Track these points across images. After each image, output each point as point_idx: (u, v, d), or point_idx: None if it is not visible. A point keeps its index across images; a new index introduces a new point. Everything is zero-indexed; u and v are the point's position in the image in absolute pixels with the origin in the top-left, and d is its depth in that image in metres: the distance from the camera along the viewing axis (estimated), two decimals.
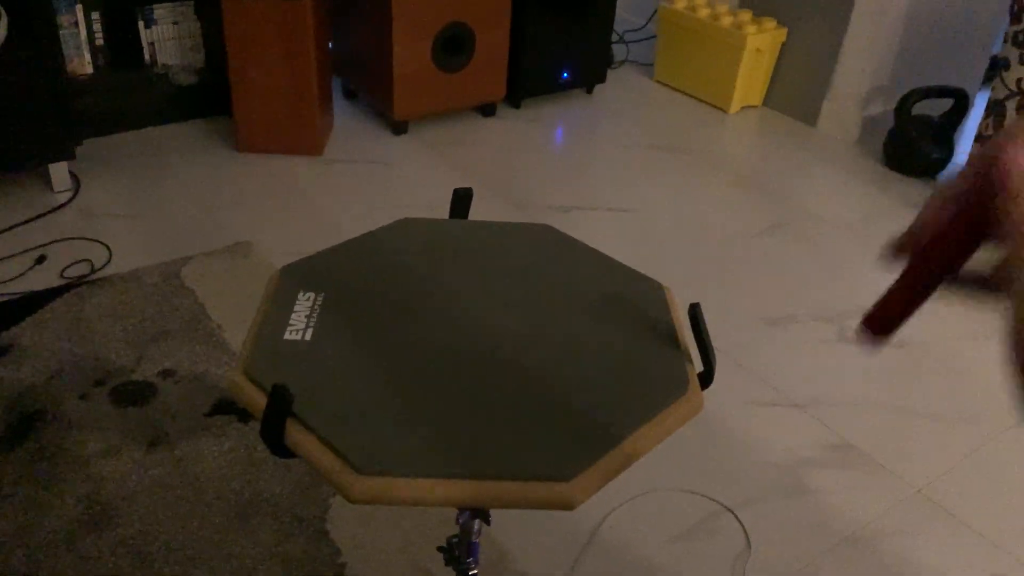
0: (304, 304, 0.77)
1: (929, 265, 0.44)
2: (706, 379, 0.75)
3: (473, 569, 0.94)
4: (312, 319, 0.75)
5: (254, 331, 0.74)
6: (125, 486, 1.55)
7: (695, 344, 0.77)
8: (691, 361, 0.77)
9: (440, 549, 0.95)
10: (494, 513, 1.53)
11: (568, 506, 0.63)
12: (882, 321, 0.45)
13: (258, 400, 0.68)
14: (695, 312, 0.76)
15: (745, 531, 1.56)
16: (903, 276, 0.45)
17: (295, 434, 0.65)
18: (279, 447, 0.66)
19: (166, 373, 1.80)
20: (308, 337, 0.74)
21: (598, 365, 0.74)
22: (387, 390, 0.69)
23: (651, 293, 0.85)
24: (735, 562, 1.50)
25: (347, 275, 0.82)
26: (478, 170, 2.68)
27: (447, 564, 0.94)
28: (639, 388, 0.72)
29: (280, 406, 0.64)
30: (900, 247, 0.45)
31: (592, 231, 2.41)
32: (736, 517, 1.58)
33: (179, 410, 1.71)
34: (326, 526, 1.51)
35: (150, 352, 1.85)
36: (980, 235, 0.42)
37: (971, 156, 0.42)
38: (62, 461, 1.58)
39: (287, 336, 0.73)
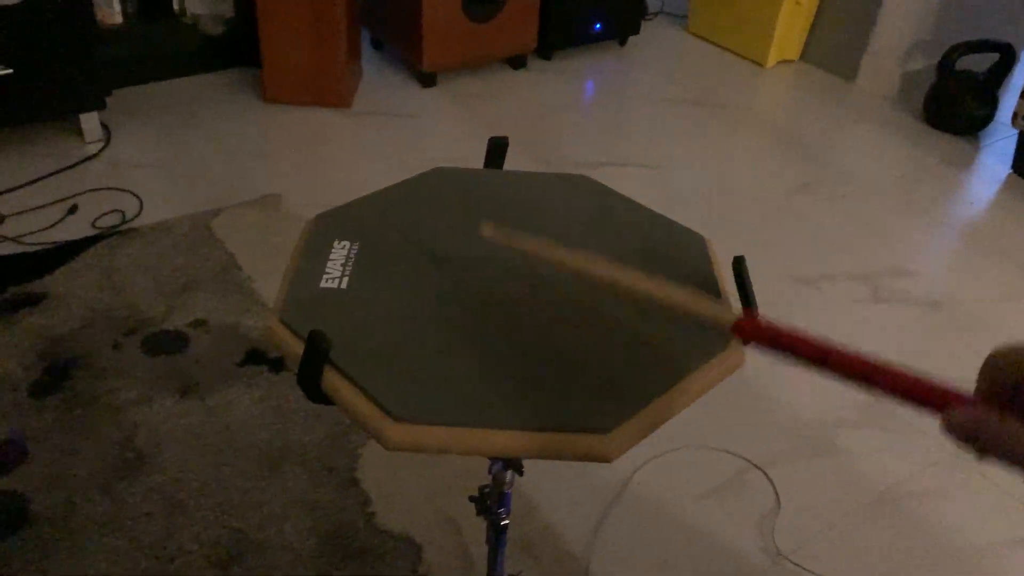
0: (340, 252, 0.76)
1: None
2: None
3: (505, 519, 0.94)
4: (348, 267, 0.74)
5: (289, 278, 0.73)
6: (157, 433, 1.57)
7: (737, 297, 0.76)
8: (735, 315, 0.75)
9: (472, 499, 0.95)
10: (525, 464, 1.53)
11: (606, 459, 0.62)
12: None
13: (294, 347, 0.67)
14: (739, 266, 0.75)
15: (775, 489, 1.55)
16: None
17: (332, 381, 0.65)
18: (316, 393, 0.65)
19: (197, 323, 1.81)
20: (344, 285, 0.73)
21: (638, 317, 0.72)
22: (424, 339, 0.68)
23: (692, 244, 0.83)
24: (763, 520, 1.49)
25: (382, 224, 0.81)
26: (507, 124, 2.64)
27: (478, 514, 0.94)
28: (679, 341, 0.70)
29: (317, 352, 0.64)
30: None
31: (622, 187, 2.36)
32: (766, 475, 1.58)
33: (210, 360, 1.73)
34: (356, 475, 1.52)
35: (181, 302, 1.86)
36: None
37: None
38: (96, 409, 1.60)
39: (323, 284, 0.73)
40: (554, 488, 1.51)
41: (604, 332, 0.70)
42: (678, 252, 0.81)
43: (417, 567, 1.37)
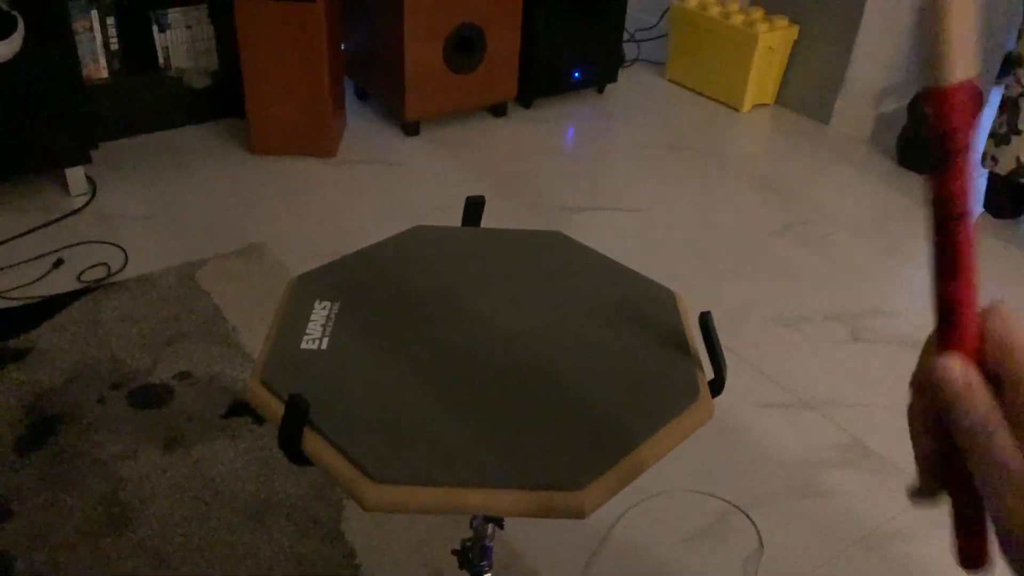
0: (320, 313, 0.78)
1: (961, 487, 0.41)
2: (717, 387, 0.76)
3: (487, 572, 0.95)
4: (328, 327, 0.77)
5: (271, 339, 0.75)
6: (143, 488, 1.57)
7: (706, 350, 0.78)
8: (702, 368, 0.77)
9: (455, 552, 0.96)
10: None
11: (580, 515, 0.64)
12: (971, 558, 0.43)
13: (275, 408, 0.69)
14: (706, 320, 0.77)
15: (758, 532, 1.56)
16: (952, 508, 0.43)
17: (312, 442, 0.66)
18: (297, 455, 0.67)
19: (182, 375, 1.82)
20: (324, 346, 0.75)
21: (610, 373, 0.74)
22: (402, 399, 0.70)
23: (662, 299, 0.85)
24: (747, 563, 1.50)
25: (362, 283, 0.83)
26: (490, 170, 2.69)
27: (461, 567, 0.95)
28: (650, 396, 0.72)
29: (297, 414, 0.65)
30: (924, 487, 0.43)
31: (604, 232, 2.41)
32: (748, 518, 1.59)
33: (195, 412, 1.73)
34: (341, 527, 1.52)
35: (166, 355, 1.87)
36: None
37: (912, 379, 0.41)
38: (81, 463, 1.60)
39: (304, 345, 0.75)
40: (537, 537, 1.52)
41: (578, 389, 0.73)
42: (649, 307, 0.84)
43: None
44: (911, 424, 0.42)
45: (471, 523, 0.87)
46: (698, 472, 1.67)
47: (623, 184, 2.67)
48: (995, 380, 0.38)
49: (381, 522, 1.53)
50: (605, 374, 0.74)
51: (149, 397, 1.76)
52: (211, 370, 1.83)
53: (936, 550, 1.55)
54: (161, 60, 2.70)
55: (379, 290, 0.83)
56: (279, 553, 1.47)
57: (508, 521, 1.54)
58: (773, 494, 1.64)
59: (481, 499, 0.63)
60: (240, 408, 1.75)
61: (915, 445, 0.42)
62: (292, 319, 0.77)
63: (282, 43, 2.47)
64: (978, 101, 0.41)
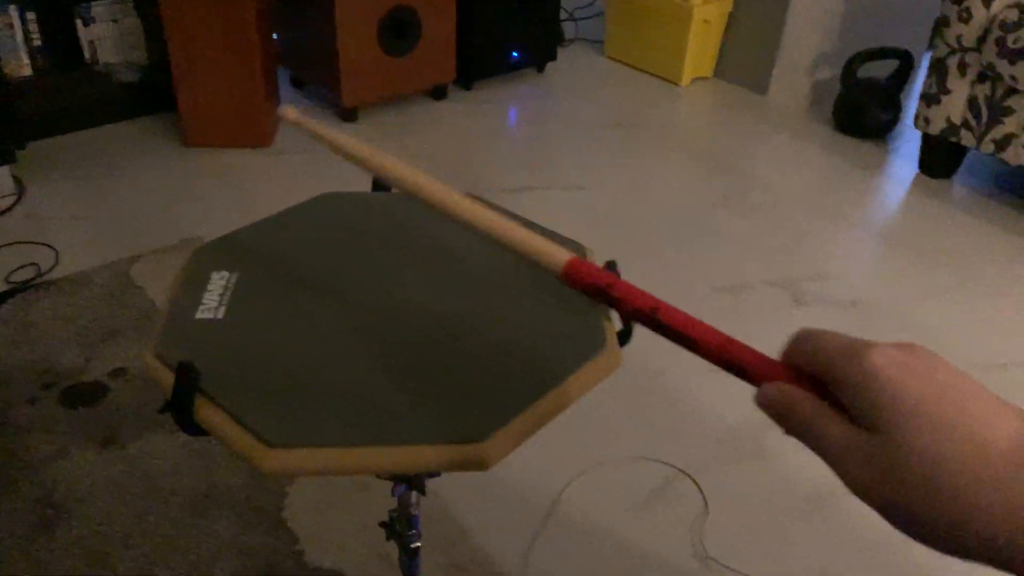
0: (218, 283, 0.76)
1: None
2: (625, 336, 0.75)
3: (416, 542, 0.93)
4: (225, 297, 0.75)
5: (165, 311, 0.73)
6: (78, 487, 1.53)
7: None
8: (610, 320, 0.77)
9: (382, 524, 0.95)
10: (450, 491, 1.53)
11: (482, 466, 0.63)
12: None
13: (169, 380, 0.67)
14: (611, 270, 0.76)
15: (703, 495, 1.57)
16: None
17: (205, 411, 0.65)
18: (190, 425, 0.65)
19: (117, 372, 1.78)
20: (221, 315, 0.73)
21: (515, 328, 0.73)
22: (299, 363, 0.68)
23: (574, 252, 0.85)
24: (693, 525, 1.51)
25: (264, 252, 0.81)
26: (431, 154, 2.66)
27: (388, 539, 0.94)
28: (556, 348, 0.72)
29: (187, 383, 0.64)
30: None
31: (547, 211, 2.41)
32: (694, 482, 1.59)
33: (131, 408, 1.70)
34: (283, 515, 1.50)
35: (100, 352, 1.83)
36: None
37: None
38: (12, 466, 1.56)
39: (199, 315, 0.73)
40: (484, 512, 1.51)
41: (483, 345, 0.71)
42: None
43: None
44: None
45: (393, 492, 0.86)
46: (643, 439, 1.68)
47: (565, 162, 2.67)
48: (817, 380, 0.44)
49: (323, 509, 1.51)
50: (511, 329, 0.73)
51: (83, 395, 1.72)
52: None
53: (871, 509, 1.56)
54: (87, 55, 2.63)
55: (280, 258, 0.81)
56: (221, 545, 1.44)
57: (452, 498, 1.53)
58: (718, 458, 1.65)
59: (379, 457, 0.62)
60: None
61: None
62: (188, 290, 0.75)
63: (211, 33, 2.42)
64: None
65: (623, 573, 1.42)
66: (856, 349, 0.41)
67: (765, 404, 0.45)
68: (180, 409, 0.64)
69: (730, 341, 0.49)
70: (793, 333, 0.46)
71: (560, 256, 0.54)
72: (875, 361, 0.39)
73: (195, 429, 0.65)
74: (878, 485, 0.39)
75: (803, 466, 1.64)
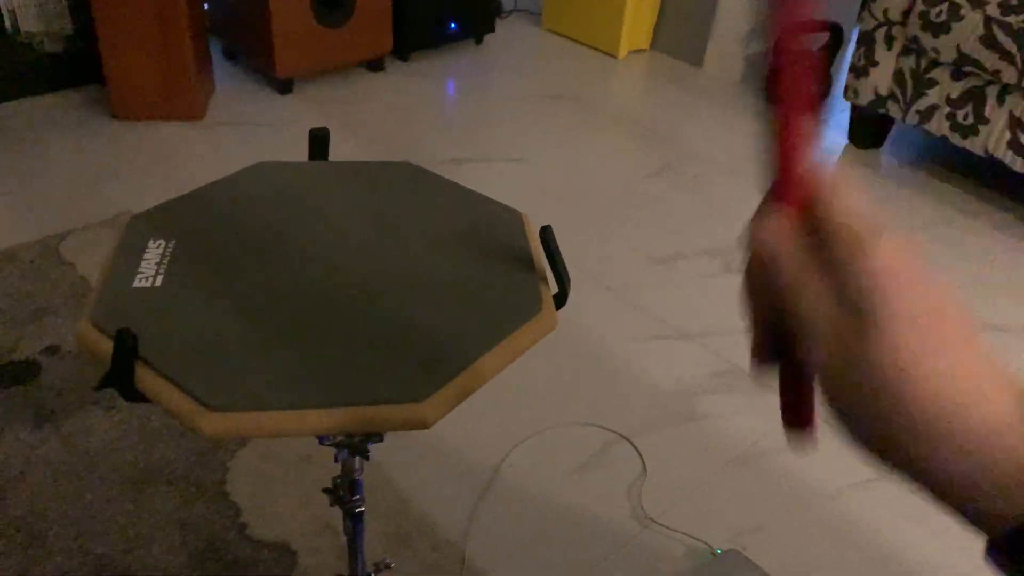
0: (154, 252, 0.76)
1: (789, 350, 0.42)
2: (560, 299, 0.77)
3: (360, 507, 0.95)
4: (162, 266, 0.74)
5: (101, 281, 0.73)
6: (11, 467, 1.50)
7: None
8: (547, 283, 0.78)
9: (325, 491, 0.96)
10: (394, 460, 1.55)
11: (423, 425, 0.64)
12: (795, 420, 0.45)
13: (106, 348, 0.67)
14: (546, 235, 0.78)
15: (641, 457, 1.61)
16: (781, 374, 0.45)
17: (145, 377, 0.65)
18: (130, 392, 0.65)
19: (50, 350, 1.74)
20: (158, 283, 0.72)
21: (453, 292, 0.75)
22: (238, 329, 0.68)
23: (509, 221, 0.86)
24: (631, 488, 1.55)
25: (200, 221, 0.81)
26: (368, 127, 2.64)
27: (332, 505, 0.95)
28: (493, 311, 0.73)
29: (125, 350, 0.64)
30: (755, 357, 0.44)
31: (485, 183, 2.42)
32: (632, 445, 1.64)
33: (65, 386, 1.66)
34: (225, 488, 1.50)
35: (31, 330, 1.78)
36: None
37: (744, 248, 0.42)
38: None
39: (136, 284, 0.72)
40: (427, 480, 1.53)
41: (421, 309, 0.73)
42: (496, 229, 0.84)
43: (292, 572, 1.37)
44: (744, 291, 0.42)
45: (335, 458, 0.87)
46: (582, 405, 1.71)
47: (503, 135, 2.67)
48: (820, 235, 0.39)
49: (266, 481, 1.51)
50: (449, 293, 0.74)
51: (14, 374, 1.68)
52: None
53: (805, 461, 1.63)
54: (8, 24, 2.53)
55: (217, 226, 0.80)
56: (161, 520, 1.43)
57: (395, 467, 1.54)
58: (654, 421, 1.69)
59: (320, 419, 0.63)
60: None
61: (747, 312, 0.43)
62: (124, 259, 0.75)
63: (139, 2, 2.35)
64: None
65: (565, 536, 1.46)
66: (871, 237, 0.37)
67: (762, 240, 0.39)
68: (120, 375, 0.64)
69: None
70: (822, 168, 0.40)
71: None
72: (888, 260, 0.37)
73: (135, 396, 0.65)
74: (844, 369, 0.37)
75: (735, 427, 1.69)
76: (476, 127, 2.70)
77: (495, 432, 1.63)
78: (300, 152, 2.56)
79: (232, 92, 2.76)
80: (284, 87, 2.76)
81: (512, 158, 2.55)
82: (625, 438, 1.65)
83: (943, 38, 2.29)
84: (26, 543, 1.37)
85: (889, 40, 2.46)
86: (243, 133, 2.54)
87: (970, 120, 2.34)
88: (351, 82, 2.89)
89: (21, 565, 1.34)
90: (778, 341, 0.43)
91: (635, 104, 2.96)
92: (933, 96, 2.40)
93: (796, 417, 0.46)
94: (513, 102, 2.87)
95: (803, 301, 0.38)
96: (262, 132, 2.56)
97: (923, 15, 2.32)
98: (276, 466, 1.54)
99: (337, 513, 1.47)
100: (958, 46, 2.27)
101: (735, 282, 2.10)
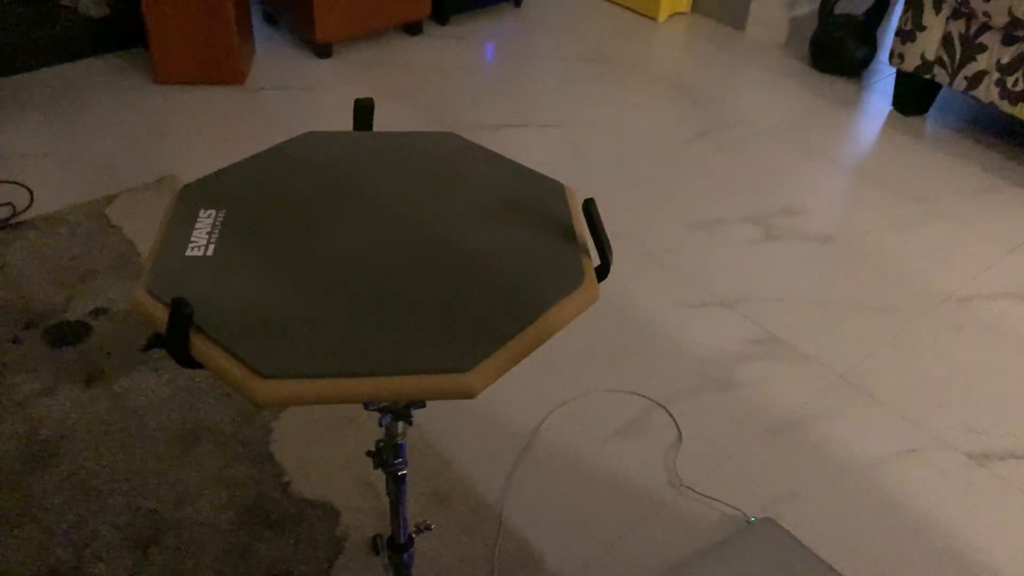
0: (206, 221, 0.78)
1: None
2: (602, 271, 0.78)
3: (403, 470, 0.97)
4: (214, 234, 0.76)
5: (155, 249, 0.75)
6: (64, 424, 1.55)
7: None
8: (588, 255, 0.79)
9: (369, 453, 0.98)
10: (434, 423, 1.58)
11: (469, 394, 0.66)
12: None
13: (161, 315, 0.69)
14: (589, 207, 0.79)
15: (677, 425, 1.62)
16: None
17: (199, 345, 0.67)
18: (185, 359, 0.67)
19: (98, 311, 1.79)
20: (210, 252, 0.74)
21: (497, 262, 0.76)
22: (289, 297, 0.70)
23: (552, 193, 0.87)
24: (667, 454, 1.56)
25: (249, 190, 0.83)
26: (407, 91, 2.64)
27: (376, 468, 0.97)
28: (537, 282, 0.74)
29: (181, 318, 0.66)
30: None
31: (523, 147, 2.41)
32: (668, 412, 1.65)
33: (114, 347, 1.71)
34: (269, 448, 1.54)
35: (80, 292, 1.83)
36: None
37: None
38: None
39: (189, 252, 0.74)
40: (467, 443, 1.55)
41: (466, 279, 0.74)
42: (538, 200, 0.85)
43: (335, 530, 1.41)
44: None
45: (380, 422, 0.89)
46: (619, 372, 1.72)
47: (543, 99, 2.66)
48: None
49: (311, 441, 1.55)
50: (493, 263, 0.76)
51: (65, 334, 1.73)
52: (127, 305, 1.81)
53: (844, 430, 1.63)
54: None
55: (267, 195, 0.82)
56: (208, 478, 1.48)
57: (436, 430, 1.57)
58: (691, 389, 1.70)
59: (369, 387, 0.64)
60: (160, 340, 1.73)
61: None
62: (177, 228, 0.77)
63: None
64: None
65: (600, 500, 1.48)
66: None
67: None
68: (175, 343, 0.66)
69: None
70: None
71: None
72: None
73: (190, 362, 0.67)
74: None
75: (773, 395, 1.69)
76: (515, 91, 2.69)
77: (533, 397, 1.65)
78: (340, 117, 2.57)
79: (272, 56, 2.78)
80: (323, 51, 2.76)
81: (551, 122, 2.54)
82: (660, 405, 1.66)
83: (995, 2, 2.22)
84: (81, 498, 1.43)
85: (938, 4, 2.40)
86: (284, 97, 2.55)
87: (1020, 87, 2.29)
88: (390, 46, 2.89)
89: (78, 519, 1.39)
90: None
91: (676, 67, 2.92)
92: (982, 62, 2.35)
93: None
94: (552, 66, 2.85)
95: None
96: (302, 96, 2.57)
97: None
98: (319, 428, 1.58)
99: (377, 474, 1.51)
100: (1010, 9, 2.21)
101: (776, 249, 2.09)
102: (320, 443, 1.55)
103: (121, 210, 2.07)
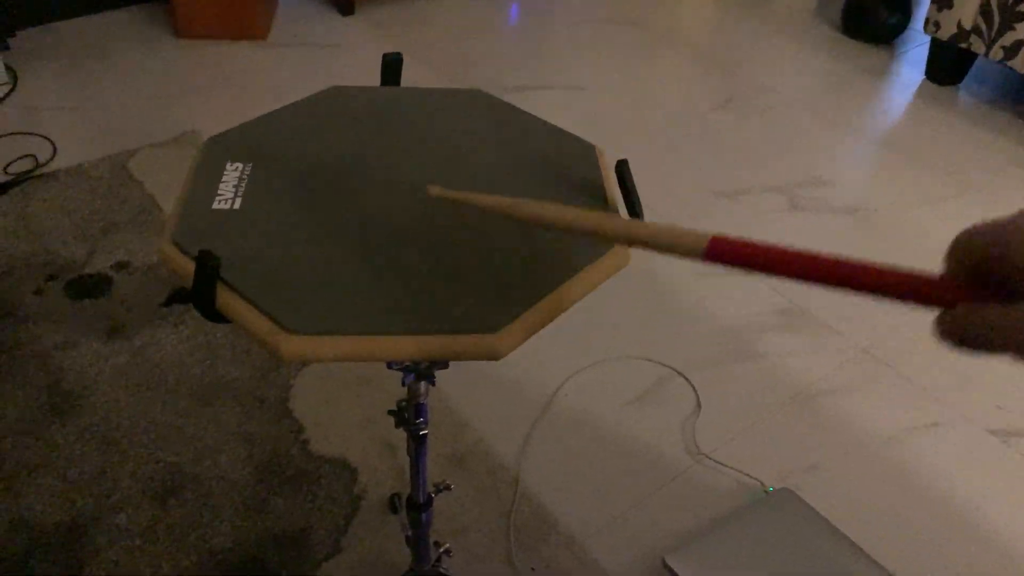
0: (232, 174, 0.77)
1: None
2: None
3: (424, 429, 0.97)
4: (240, 188, 0.75)
5: (181, 201, 0.74)
6: (86, 376, 1.56)
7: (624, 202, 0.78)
8: (620, 218, 0.78)
9: (391, 412, 0.98)
10: (454, 385, 1.57)
11: (495, 356, 0.65)
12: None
13: (188, 268, 0.68)
14: (622, 169, 0.77)
15: (696, 393, 1.61)
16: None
17: (225, 298, 0.66)
18: (211, 312, 0.67)
19: (120, 265, 1.79)
20: (237, 206, 0.73)
21: (526, 224, 0.74)
22: (316, 253, 0.69)
23: (582, 153, 0.85)
24: (685, 422, 1.56)
25: (275, 144, 0.82)
26: (430, 50, 2.61)
27: (397, 427, 0.97)
28: (566, 244, 0.73)
29: (207, 271, 0.65)
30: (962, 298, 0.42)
31: (546, 110, 2.38)
32: (688, 380, 1.64)
33: (135, 301, 1.72)
34: (288, 405, 1.54)
35: (102, 245, 1.83)
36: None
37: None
38: (20, 355, 1.59)
39: (215, 206, 0.73)
40: (485, 406, 1.55)
41: (492, 239, 0.73)
42: (569, 160, 0.83)
43: (352, 488, 1.41)
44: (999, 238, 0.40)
45: (403, 382, 0.88)
46: (639, 339, 1.71)
47: (566, 62, 2.62)
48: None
49: (330, 399, 1.55)
50: (522, 225, 0.74)
51: (87, 287, 1.74)
52: (149, 259, 1.81)
53: (865, 402, 1.62)
54: None
55: (293, 149, 0.81)
56: (227, 434, 1.49)
57: (455, 392, 1.57)
58: (712, 358, 1.69)
59: (396, 345, 0.64)
60: (181, 295, 1.73)
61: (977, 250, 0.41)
62: (203, 181, 0.76)
63: None
64: None
65: (617, 466, 1.48)
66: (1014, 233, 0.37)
67: (951, 331, 0.40)
68: (201, 296, 0.65)
69: (884, 273, 0.45)
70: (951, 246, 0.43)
71: (700, 240, 0.52)
72: None
73: (216, 316, 0.66)
74: None
75: (794, 367, 1.68)
76: (538, 53, 2.65)
77: (553, 360, 1.65)
78: (363, 74, 2.55)
79: (295, 13, 2.75)
80: (346, 8, 2.73)
81: (574, 85, 2.50)
82: (680, 373, 1.65)
83: None
84: (102, 449, 1.44)
85: None
86: (306, 54, 2.53)
87: None
88: (414, 5, 2.85)
89: (99, 469, 1.41)
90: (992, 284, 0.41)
91: (702, 33, 2.87)
92: (1021, 31, 2.29)
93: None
94: (576, 28, 2.81)
95: (1007, 341, 0.37)
96: (324, 53, 2.55)
97: None
98: (337, 386, 1.58)
99: (395, 433, 1.51)
100: None
101: (800, 219, 2.06)
102: (338, 401, 1.55)
103: (143, 164, 2.06)
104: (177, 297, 1.73)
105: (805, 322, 1.78)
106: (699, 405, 1.59)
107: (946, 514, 1.44)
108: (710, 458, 1.50)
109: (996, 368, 1.71)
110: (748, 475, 1.47)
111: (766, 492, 1.43)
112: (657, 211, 2.04)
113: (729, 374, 1.66)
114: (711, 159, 2.25)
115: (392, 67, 0.92)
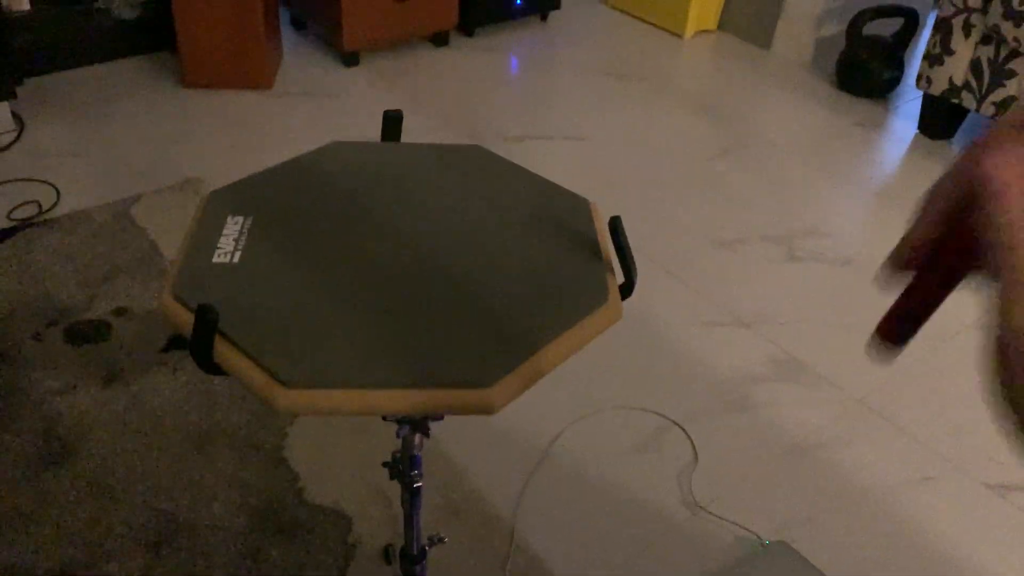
0: (232, 228, 0.78)
1: (934, 277, 0.42)
2: (626, 290, 0.78)
3: (418, 481, 0.97)
4: (240, 242, 0.77)
5: (182, 254, 0.75)
6: (83, 422, 1.56)
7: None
8: (612, 272, 0.79)
9: (385, 464, 0.98)
10: (449, 433, 1.57)
11: (489, 410, 0.65)
12: (895, 331, 0.43)
13: (187, 321, 0.69)
14: (615, 225, 0.79)
15: (693, 444, 1.61)
16: (909, 289, 0.43)
17: (223, 351, 0.67)
18: (209, 365, 0.68)
19: (120, 311, 1.80)
20: (236, 260, 0.75)
21: (521, 278, 0.76)
22: (312, 307, 0.70)
23: (577, 208, 0.87)
24: (682, 474, 1.55)
25: (276, 198, 0.83)
26: (432, 101, 2.66)
27: (392, 478, 0.97)
28: (560, 298, 0.74)
29: (206, 324, 0.66)
30: (897, 262, 0.43)
31: (546, 160, 2.42)
32: (684, 431, 1.64)
33: (134, 346, 1.72)
34: (283, 453, 1.54)
35: (103, 291, 1.85)
36: (978, 244, 0.39)
37: (954, 164, 0.40)
38: (17, 400, 1.59)
39: (215, 259, 0.75)
40: (480, 455, 1.55)
41: (490, 292, 0.74)
42: (563, 215, 0.85)
43: (347, 537, 1.41)
44: (929, 202, 0.41)
45: (397, 433, 0.89)
46: (636, 389, 1.72)
47: (566, 113, 2.67)
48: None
49: (323, 447, 1.55)
50: (516, 278, 0.76)
51: (86, 333, 1.74)
52: (149, 305, 1.82)
53: (861, 455, 1.61)
54: None
55: (293, 204, 0.83)
56: (223, 480, 1.48)
57: (450, 441, 1.57)
58: (708, 408, 1.69)
59: (390, 399, 0.64)
60: (179, 341, 1.74)
61: (918, 224, 0.41)
62: (204, 234, 0.77)
63: None
64: None
65: (613, 518, 1.47)
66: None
67: (988, 171, 0.37)
68: (200, 349, 0.66)
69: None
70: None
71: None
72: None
73: (213, 368, 0.67)
74: None
75: (790, 418, 1.68)
76: (539, 104, 2.70)
77: (549, 411, 1.65)
78: (366, 125, 2.58)
79: (299, 62, 2.80)
80: (350, 59, 2.78)
81: (574, 136, 2.54)
82: (677, 424, 1.65)
83: None
84: (96, 496, 1.44)
85: (967, 28, 2.38)
86: (310, 103, 2.57)
87: None
88: (416, 56, 2.90)
89: (92, 517, 1.40)
90: (929, 263, 0.42)
91: (700, 85, 2.92)
92: (1011, 87, 2.33)
93: (894, 328, 0.44)
94: (577, 80, 2.86)
95: (1021, 246, 0.36)
96: (329, 103, 2.59)
97: (1006, 3, 2.24)
98: (332, 434, 1.58)
99: (390, 483, 1.51)
100: None
101: (798, 270, 2.08)
102: (334, 449, 1.55)
103: (146, 211, 2.08)
104: (176, 343, 1.74)
105: (800, 373, 1.79)
106: (696, 456, 1.59)
107: (941, 569, 1.43)
108: (706, 510, 1.49)
109: (993, 420, 1.71)
110: (744, 528, 1.46)
111: (763, 545, 1.43)
112: (655, 260, 2.06)
113: (726, 425, 1.66)
114: (709, 209, 2.27)
115: (392, 123, 0.94)
